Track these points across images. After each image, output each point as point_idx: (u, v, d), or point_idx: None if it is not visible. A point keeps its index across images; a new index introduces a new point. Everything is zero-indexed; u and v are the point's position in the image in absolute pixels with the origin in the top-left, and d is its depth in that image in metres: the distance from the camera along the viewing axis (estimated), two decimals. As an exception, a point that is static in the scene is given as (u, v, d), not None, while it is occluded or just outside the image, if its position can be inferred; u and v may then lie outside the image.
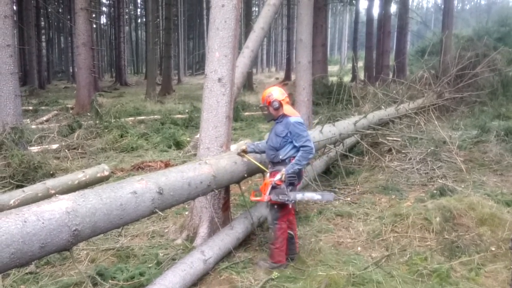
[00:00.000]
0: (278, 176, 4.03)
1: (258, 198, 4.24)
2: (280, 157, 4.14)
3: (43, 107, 17.43)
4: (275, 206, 4.16)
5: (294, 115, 4.22)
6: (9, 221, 2.42)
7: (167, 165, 8.12)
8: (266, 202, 5.17)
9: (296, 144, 4.07)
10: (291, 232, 4.36)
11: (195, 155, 8.81)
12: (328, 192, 4.36)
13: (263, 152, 4.48)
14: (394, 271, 4.08)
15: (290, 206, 4.19)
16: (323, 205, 5.98)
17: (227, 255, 4.38)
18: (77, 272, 4.04)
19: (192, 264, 3.80)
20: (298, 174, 4.14)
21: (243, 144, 4.69)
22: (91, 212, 2.80)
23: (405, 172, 7.22)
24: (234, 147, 7.33)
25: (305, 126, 4.23)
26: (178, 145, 10.59)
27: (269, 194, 4.05)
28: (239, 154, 4.58)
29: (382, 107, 9.31)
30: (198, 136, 9.68)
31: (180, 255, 4.42)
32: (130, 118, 13.67)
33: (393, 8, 28.41)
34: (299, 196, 4.01)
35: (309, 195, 4.04)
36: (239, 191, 5.61)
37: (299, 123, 4.11)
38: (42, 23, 39.09)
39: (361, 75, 28.58)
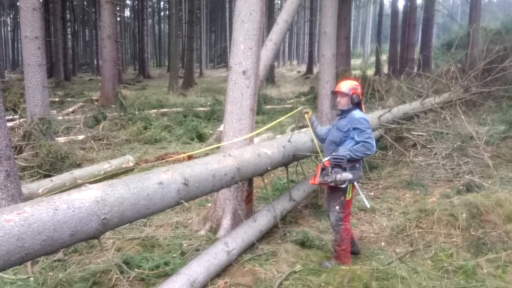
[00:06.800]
0: (326, 158, 4.02)
1: (312, 182, 4.20)
2: (337, 152, 4.02)
3: (69, 99, 17.78)
4: (337, 207, 4.08)
5: (360, 112, 4.11)
6: (40, 209, 2.48)
7: (190, 157, 8.18)
8: (290, 196, 5.21)
9: (357, 139, 3.95)
10: None
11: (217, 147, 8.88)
12: (356, 171, 4.30)
13: (318, 133, 4.47)
14: (418, 267, 4.04)
15: (348, 197, 4.07)
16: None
17: (250, 247, 4.40)
18: (104, 260, 4.13)
19: (216, 255, 3.84)
20: (354, 169, 4.01)
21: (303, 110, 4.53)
22: (119, 201, 2.85)
23: (430, 168, 7.11)
24: (257, 140, 7.35)
25: (370, 124, 4.08)
26: (201, 138, 10.68)
27: (319, 176, 4.03)
28: (301, 114, 4.49)
29: (407, 101, 9.17)
30: (220, 128, 9.77)
31: (203, 246, 4.47)
32: (153, 110, 13.83)
33: (419, 0, 27.86)
34: (338, 176, 3.92)
35: (345, 175, 3.96)
36: (261, 184, 5.64)
37: (364, 119, 4.01)
38: (68, 15, 39.71)
39: (385, 68, 28.14)
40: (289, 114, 5.38)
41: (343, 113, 4.16)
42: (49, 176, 6.44)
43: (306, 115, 4.47)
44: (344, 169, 3.93)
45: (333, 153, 3.97)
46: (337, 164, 3.92)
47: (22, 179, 6.46)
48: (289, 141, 4.98)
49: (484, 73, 12.03)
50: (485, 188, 5.92)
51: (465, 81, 11.03)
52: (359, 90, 4.15)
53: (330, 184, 3.97)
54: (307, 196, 5.82)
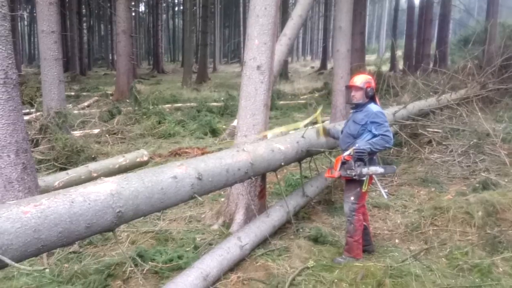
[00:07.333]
0: (347, 152, 4.02)
1: (330, 175, 4.23)
2: (357, 145, 4.00)
3: (84, 93, 17.93)
4: (352, 198, 4.09)
5: (376, 106, 4.15)
6: (57, 201, 2.50)
7: (203, 152, 8.22)
8: (303, 191, 5.20)
9: (376, 133, 3.98)
10: (365, 223, 4.28)
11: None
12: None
13: (337, 138, 4.51)
14: (433, 265, 4.00)
15: (364, 189, 4.08)
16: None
17: (262, 242, 4.40)
18: (118, 253, 4.17)
19: (229, 250, 3.85)
20: (371, 160, 4.04)
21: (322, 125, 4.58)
22: (134, 195, 2.87)
23: (445, 165, 7.02)
24: (270, 135, 7.33)
25: (386, 117, 4.12)
26: (214, 133, 10.72)
27: (339, 170, 4.05)
28: (322, 132, 4.58)
29: (423, 97, 9.06)
30: (233, 124, 9.78)
31: (216, 240, 4.48)
32: (167, 105, 13.90)
33: (436, -5, 27.43)
34: (364, 170, 3.93)
35: (373, 169, 3.95)
36: (274, 179, 5.63)
37: (381, 112, 4.06)
38: (84, 10, 40.03)
39: (400, 64, 27.86)
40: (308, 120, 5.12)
41: (358, 106, 4.17)
42: (65, 169, 6.53)
43: (321, 131, 4.63)
44: (365, 163, 3.94)
45: (354, 147, 3.97)
46: (360, 158, 3.95)
47: (39, 172, 6.55)
48: (302, 136, 4.95)
49: (502, 69, 11.80)
50: (502, 186, 5.82)
51: (482, 77, 10.85)
52: (373, 84, 4.18)
53: (354, 177, 3.98)
54: (320, 192, 5.80)
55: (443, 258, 4.19)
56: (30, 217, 2.33)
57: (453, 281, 3.75)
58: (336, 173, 4.09)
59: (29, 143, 4.51)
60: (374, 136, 4.00)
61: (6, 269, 3.46)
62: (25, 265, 3.74)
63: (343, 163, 4.04)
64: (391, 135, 4.02)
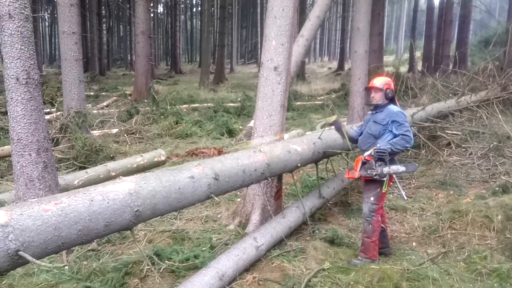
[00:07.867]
0: (368, 152, 4.03)
1: (350, 176, 4.23)
2: (378, 145, 4.01)
3: (103, 93, 18.17)
4: (372, 198, 4.09)
5: (396, 106, 4.18)
6: (77, 199, 2.54)
7: (220, 152, 8.25)
8: (319, 193, 5.18)
9: (396, 132, 4.00)
10: (383, 225, 4.27)
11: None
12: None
13: (351, 138, 4.44)
14: (451, 269, 3.96)
15: (384, 190, 4.06)
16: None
17: (278, 243, 4.41)
18: (135, 251, 4.23)
19: (244, 250, 3.86)
20: (392, 161, 4.04)
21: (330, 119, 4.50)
22: (151, 194, 2.90)
23: (464, 168, 6.93)
24: (287, 136, 7.34)
25: (406, 117, 4.13)
26: (231, 133, 10.76)
27: (360, 170, 4.06)
28: (333, 123, 4.45)
29: (442, 99, 8.94)
30: (250, 124, 9.80)
31: (232, 240, 4.50)
32: (184, 106, 14.01)
33: (456, -5, 27.04)
34: (385, 169, 3.92)
35: (395, 167, 3.95)
36: (291, 180, 5.62)
37: (402, 113, 4.08)
38: (103, 11, 40.56)
39: (419, 65, 27.53)
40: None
41: (378, 108, 4.19)
42: (84, 168, 6.65)
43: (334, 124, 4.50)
44: (386, 163, 3.94)
45: (375, 147, 3.98)
46: (380, 158, 3.95)
47: (59, 171, 6.67)
48: (319, 138, 4.94)
49: (523, 71, 11.58)
50: (523, 190, 5.72)
51: (503, 79, 10.64)
52: (393, 86, 4.20)
53: (375, 177, 3.97)
54: (336, 193, 5.78)
55: (461, 262, 4.14)
56: (51, 215, 2.37)
57: (471, 285, 3.70)
58: (357, 174, 4.09)
59: (50, 142, 4.59)
60: (395, 136, 4.01)
61: (26, 266, 3.53)
62: (45, 262, 3.84)
63: (364, 163, 4.04)
64: (411, 135, 4.02)
